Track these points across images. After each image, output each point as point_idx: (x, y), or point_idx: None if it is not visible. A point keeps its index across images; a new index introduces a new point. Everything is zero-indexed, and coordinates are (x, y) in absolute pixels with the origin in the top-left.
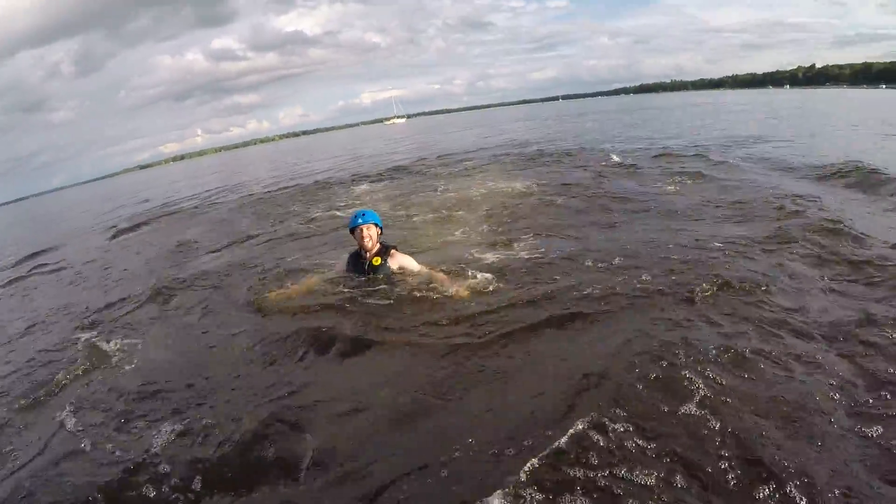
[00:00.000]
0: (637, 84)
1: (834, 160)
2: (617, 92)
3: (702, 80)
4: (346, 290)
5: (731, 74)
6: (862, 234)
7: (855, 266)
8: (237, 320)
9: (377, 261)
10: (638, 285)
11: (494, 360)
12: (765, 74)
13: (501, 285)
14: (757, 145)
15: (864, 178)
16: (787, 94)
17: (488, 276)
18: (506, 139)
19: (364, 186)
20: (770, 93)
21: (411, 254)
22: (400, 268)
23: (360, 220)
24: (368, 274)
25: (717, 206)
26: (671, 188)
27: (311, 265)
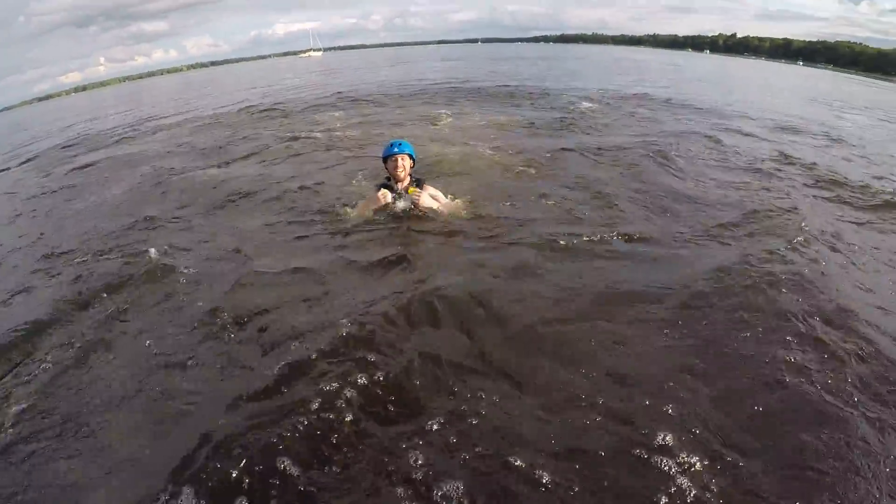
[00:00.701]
0: (558, 34)
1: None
2: (537, 39)
3: (623, 35)
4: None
5: (652, 34)
6: None
7: None
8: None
9: (412, 190)
10: None
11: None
12: (686, 38)
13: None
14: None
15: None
16: (708, 58)
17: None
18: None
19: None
20: (690, 55)
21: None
22: (432, 196)
23: (395, 150)
24: (402, 199)
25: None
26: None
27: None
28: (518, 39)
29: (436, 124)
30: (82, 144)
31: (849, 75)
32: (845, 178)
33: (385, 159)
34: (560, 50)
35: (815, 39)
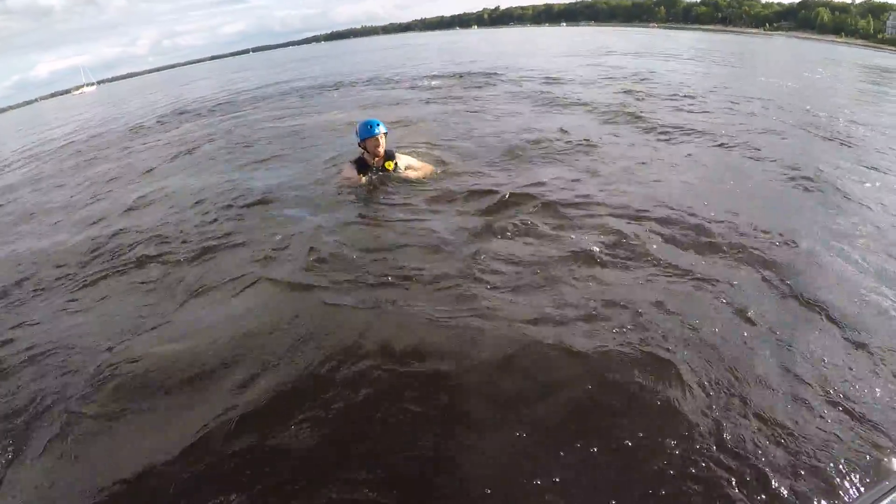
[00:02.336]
0: (329, 32)
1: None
2: (308, 41)
3: (392, 24)
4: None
5: (420, 18)
6: None
7: None
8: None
9: (390, 165)
10: None
11: None
12: (452, 17)
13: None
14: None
15: None
16: (479, 32)
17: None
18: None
19: None
20: (459, 33)
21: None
22: (407, 166)
23: (374, 131)
24: (380, 174)
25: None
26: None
27: None
28: (290, 44)
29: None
30: None
31: (610, 27)
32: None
33: (365, 140)
34: (341, 47)
35: (574, 0)
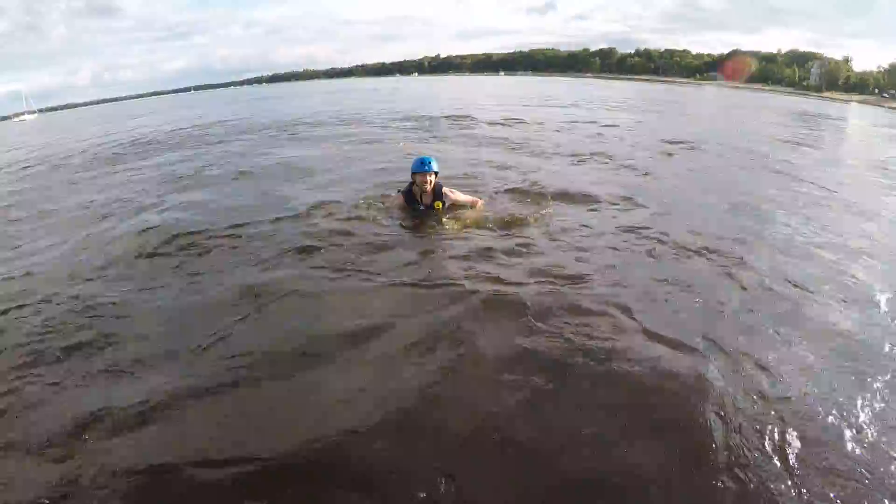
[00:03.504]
0: (270, 73)
1: None
2: (250, 82)
3: (333, 69)
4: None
5: (361, 64)
6: None
7: None
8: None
9: (438, 205)
10: None
11: None
12: (393, 63)
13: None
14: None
15: None
16: (420, 80)
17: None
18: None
19: None
20: (401, 80)
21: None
22: (453, 203)
23: (425, 168)
24: (428, 213)
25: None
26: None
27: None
28: (232, 83)
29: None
30: None
31: (546, 77)
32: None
33: (414, 174)
34: (289, 88)
35: (513, 51)
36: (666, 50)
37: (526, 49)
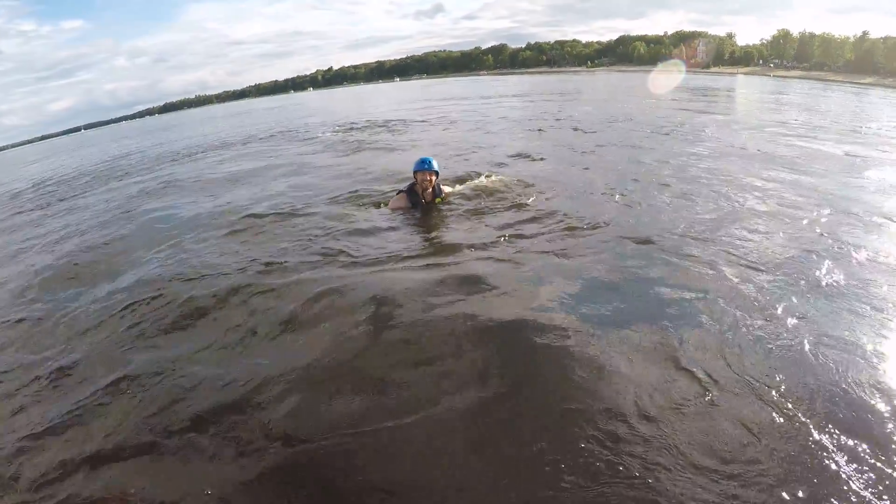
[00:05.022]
0: (161, 104)
1: None
2: (141, 114)
3: (226, 91)
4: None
5: (254, 84)
6: None
7: None
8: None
9: (438, 201)
10: None
11: None
12: (287, 80)
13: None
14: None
15: None
16: (317, 94)
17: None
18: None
19: None
20: (297, 96)
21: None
22: (450, 193)
23: (425, 167)
24: (431, 211)
25: None
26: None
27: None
28: (123, 118)
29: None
30: None
31: (442, 78)
32: None
33: (415, 172)
34: (186, 116)
35: (404, 56)
36: (556, 41)
37: (418, 53)
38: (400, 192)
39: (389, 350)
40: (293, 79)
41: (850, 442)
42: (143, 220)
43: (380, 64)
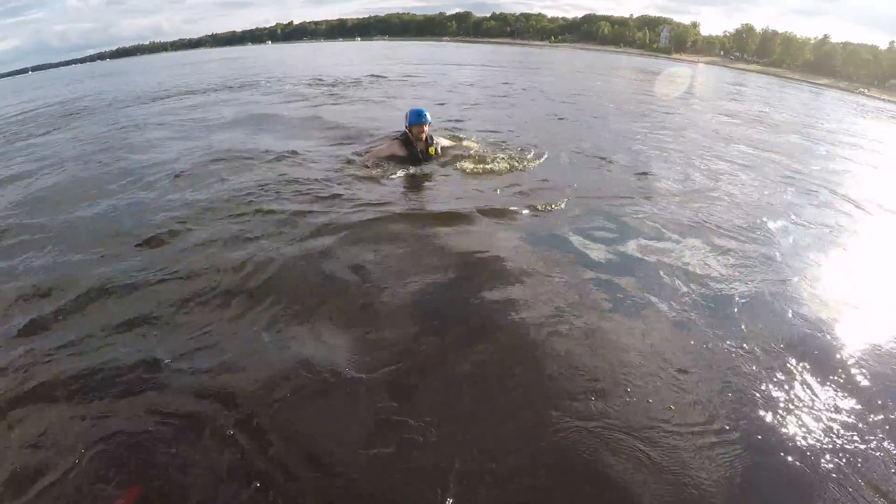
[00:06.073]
0: (114, 48)
1: None
2: (92, 58)
3: (181, 40)
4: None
5: (211, 34)
6: None
7: None
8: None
9: (432, 150)
10: None
11: None
12: (244, 32)
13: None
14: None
15: None
16: (276, 48)
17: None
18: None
19: None
20: (255, 48)
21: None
22: (442, 147)
23: (422, 119)
24: (424, 160)
25: None
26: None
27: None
28: (73, 61)
29: None
30: None
31: (404, 41)
32: None
33: (412, 125)
34: (140, 63)
35: (367, 16)
36: (522, 14)
37: (381, 14)
38: (394, 139)
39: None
40: (252, 31)
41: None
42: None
43: (341, 22)
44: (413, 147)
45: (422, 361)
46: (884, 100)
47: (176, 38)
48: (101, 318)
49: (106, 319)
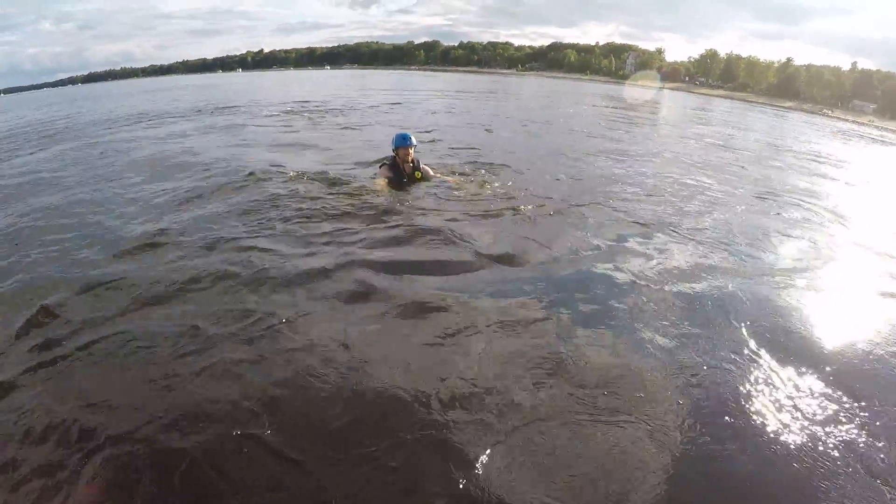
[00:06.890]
0: (86, 73)
1: None
2: (63, 82)
3: (152, 66)
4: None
5: (182, 60)
6: None
7: None
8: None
9: (418, 175)
10: None
11: None
12: (215, 59)
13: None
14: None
15: None
16: (246, 75)
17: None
18: None
19: None
20: (227, 76)
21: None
22: (427, 173)
23: (407, 143)
24: (411, 183)
25: None
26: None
27: None
28: (44, 85)
29: None
30: None
31: (373, 69)
32: None
33: (397, 148)
34: (114, 88)
35: (336, 45)
36: (489, 42)
37: (350, 42)
38: (382, 165)
39: None
40: (222, 58)
41: None
42: None
43: (311, 50)
44: (400, 169)
45: None
46: (848, 120)
47: (147, 65)
48: None
49: None
